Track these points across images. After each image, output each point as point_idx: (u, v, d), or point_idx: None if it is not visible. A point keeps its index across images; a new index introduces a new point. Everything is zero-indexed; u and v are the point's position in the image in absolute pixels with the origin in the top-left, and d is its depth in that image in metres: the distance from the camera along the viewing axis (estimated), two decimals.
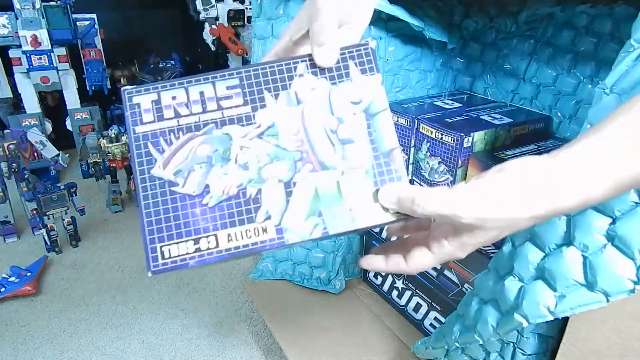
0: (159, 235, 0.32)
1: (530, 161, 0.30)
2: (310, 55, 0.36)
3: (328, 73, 0.35)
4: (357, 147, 0.34)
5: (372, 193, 0.34)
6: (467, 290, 0.70)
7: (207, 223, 0.33)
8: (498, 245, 0.52)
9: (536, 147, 0.72)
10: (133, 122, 0.34)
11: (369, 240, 0.92)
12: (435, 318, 0.80)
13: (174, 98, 0.34)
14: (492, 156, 0.70)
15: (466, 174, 0.73)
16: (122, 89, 0.34)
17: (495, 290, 0.52)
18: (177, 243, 0.32)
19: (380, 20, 0.78)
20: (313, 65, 0.36)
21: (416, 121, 0.77)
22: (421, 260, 0.36)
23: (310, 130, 0.34)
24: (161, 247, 0.32)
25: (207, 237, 0.32)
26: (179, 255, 0.32)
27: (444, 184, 0.75)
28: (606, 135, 0.28)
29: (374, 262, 0.38)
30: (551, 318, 0.45)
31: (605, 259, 0.41)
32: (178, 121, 0.34)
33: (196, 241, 0.32)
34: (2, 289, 1.01)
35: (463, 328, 0.58)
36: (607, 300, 0.41)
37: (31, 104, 1.58)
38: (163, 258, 0.32)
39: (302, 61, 0.36)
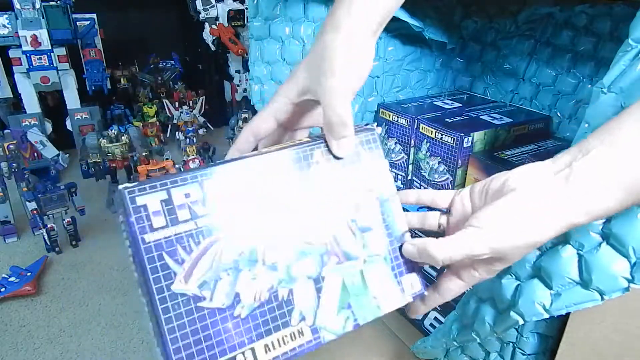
0: (187, 355, 0.28)
1: (541, 185, 0.31)
2: (324, 139, 0.34)
3: (341, 160, 0.34)
4: (374, 234, 0.34)
5: (391, 278, 0.34)
6: (466, 290, 0.70)
7: (242, 337, 0.29)
8: None
9: (536, 147, 0.72)
10: (141, 230, 0.27)
11: None
12: (435, 318, 0.80)
13: (187, 196, 0.29)
14: (492, 156, 0.70)
15: (466, 174, 0.73)
16: (121, 188, 0.28)
17: (492, 289, 0.52)
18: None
19: None
20: (328, 151, 0.34)
21: (416, 121, 0.78)
22: (454, 290, 0.38)
23: (333, 222, 0.33)
24: None
25: (243, 352, 0.29)
26: None
27: (444, 184, 0.75)
28: (616, 147, 0.29)
29: (417, 309, 0.40)
30: (546, 316, 0.45)
31: (600, 257, 0.41)
32: (196, 223, 0.29)
33: (234, 355, 0.29)
34: (2, 289, 1.01)
35: (461, 326, 0.58)
36: (602, 299, 0.42)
37: (31, 104, 1.58)
38: None
39: (317, 147, 0.34)
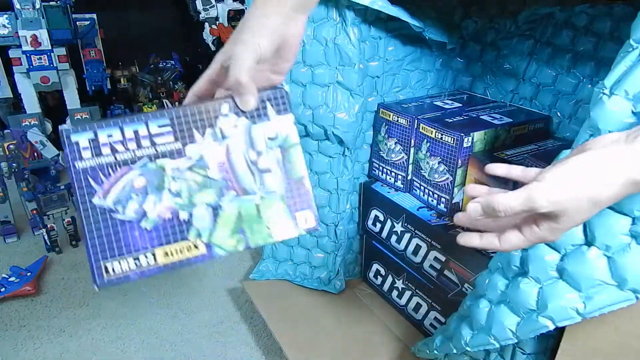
0: (102, 254, 0.37)
1: (609, 146, 0.34)
2: (232, 96, 0.40)
3: (248, 113, 0.40)
4: (273, 176, 0.40)
5: (285, 213, 0.40)
6: (467, 290, 0.71)
7: (146, 243, 0.37)
8: None
9: (536, 147, 0.72)
10: (73, 159, 0.37)
11: (369, 240, 0.93)
12: (435, 318, 0.80)
13: (109, 136, 0.37)
14: (492, 156, 0.70)
15: (466, 174, 0.73)
16: (60, 128, 0.37)
17: (507, 293, 0.52)
18: (119, 260, 0.37)
19: (379, 20, 0.78)
20: (236, 106, 0.40)
21: (416, 121, 0.78)
22: (513, 241, 0.38)
23: (234, 162, 0.39)
24: (104, 264, 0.37)
25: (145, 254, 0.37)
26: (121, 271, 0.37)
27: (444, 184, 0.75)
28: None
29: (470, 239, 0.41)
30: (579, 319, 0.45)
31: (632, 258, 0.41)
32: (115, 157, 0.37)
33: (136, 258, 0.37)
34: (2, 289, 1.01)
35: (474, 331, 0.57)
36: (637, 298, 0.42)
37: (31, 104, 1.57)
38: (107, 273, 0.37)
39: (225, 102, 0.40)
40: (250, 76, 0.39)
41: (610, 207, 0.41)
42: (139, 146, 0.38)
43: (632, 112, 0.41)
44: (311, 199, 0.41)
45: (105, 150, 0.37)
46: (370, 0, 0.68)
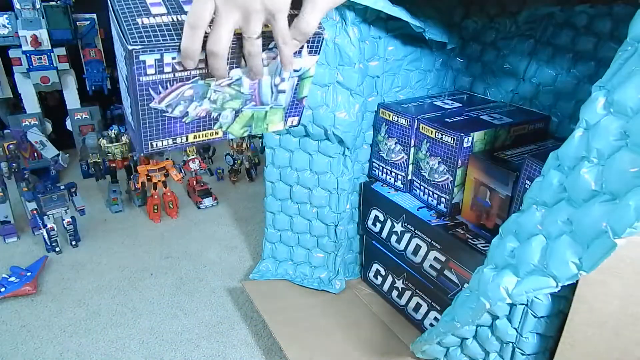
0: (150, 136, 0.47)
1: None
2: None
3: None
4: (285, 95, 0.51)
5: (281, 117, 0.54)
6: None
7: (183, 130, 0.48)
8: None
9: (536, 147, 0.73)
10: (139, 74, 0.42)
11: (369, 240, 0.93)
12: (435, 318, 0.80)
13: (173, 58, 0.42)
14: (492, 156, 0.70)
15: (466, 174, 0.73)
16: (130, 48, 0.40)
17: (476, 279, 0.54)
18: (161, 140, 0.48)
19: (379, 19, 0.78)
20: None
21: (416, 121, 0.78)
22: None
23: (262, 84, 0.49)
24: (151, 142, 0.48)
25: (181, 137, 0.49)
26: (162, 146, 0.49)
27: (444, 184, 0.75)
28: None
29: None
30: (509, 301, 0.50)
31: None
32: (174, 74, 0.44)
33: (174, 139, 0.49)
34: (2, 289, 1.01)
35: (463, 299, 0.58)
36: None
37: (31, 104, 1.58)
38: (152, 147, 0.48)
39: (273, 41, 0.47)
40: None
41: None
42: (196, 66, 0.44)
43: (608, 102, 0.42)
44: (302, 108, 0.54)
45: (167, 69, 0.43)
46: (379, 3, 0.68)
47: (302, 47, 0.47)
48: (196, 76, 0.45)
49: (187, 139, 0.49)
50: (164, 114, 0.46)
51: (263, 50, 0.44)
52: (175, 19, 0.42)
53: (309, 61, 0.49)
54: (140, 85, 0.42)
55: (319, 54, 0.49)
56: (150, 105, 0.44)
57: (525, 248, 0.49)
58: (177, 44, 0.41)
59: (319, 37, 0.48)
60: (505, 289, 0.49)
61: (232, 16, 0.39)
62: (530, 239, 0.48)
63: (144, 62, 0.41)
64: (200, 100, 0.47)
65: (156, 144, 0.48)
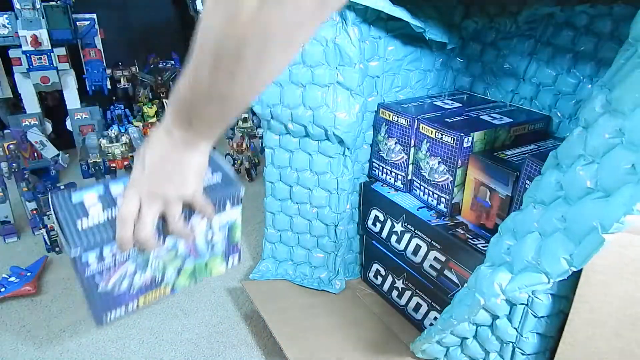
0: (102, 309, 0.51)
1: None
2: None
3: (215, 206, 0.51)
4: (220, 244, 0.56)
5: (222, 261, 0.58)
6: None
7: (133, 298, 0.52)
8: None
9: (536, 147, 0.72)
10: (82, 271, 0.46)
11: (369, 240, 0.93)
12: (435, 318, 0.80)
13: (111, 250, 0.47)
14: (492, 156, 0.70)
15: (466, 174, 0.73)
16: (73, 256, 0.44)
17: (474, 276, 0.55)
18: (113, 311, 0.52)
19: (380, 19, 0.78)
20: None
21: (416, 121, 0.78)
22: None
23: (197, 241, 0.53)
24: (105, 315, 0.51)
25: (132, 303, 0.52)
26: (117, 316, 0.52)
27: (444, 184, 0.75)
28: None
29: None
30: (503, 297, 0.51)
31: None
32: (114, 260, 0.48)
33: (126, 306, 0.52)
34: (2, 289, 1.01)
35: (461, 297, 0.59)
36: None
37: (31, 104, 1.57)
38: (107, 317, 0.52)
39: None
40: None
41: None
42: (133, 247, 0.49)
43: (607, 100, 0.42)
44: (239, 248, 0.58)
45: (108, 258, 0.47)
46: (379, 4, 0.68)
47: (225, 204, 0.52)
48: (133, 252, 0.49)
49: (137, 304, 0.53)
50: (111, 293, 0.50)
51: (186, 220, 0.49)
52: (108, 215, 0.46)
53: (234, 213, 0.54)
54: (87, 278, 0.47)
55: (240, 204, 0.54)
56: (98, 290, 0.48)
57: (520, 245, 0.49)
58: (113, 235, 0.45)
59: (236, 191, 0.52)
60: (499, 284, 0.50)
61: (154, 206, 0.45)
62: (525, 237, 0.49)
63: (87, 260, 0.46)
64: (142, 269, 0.51)
65: (110, 316, 0.51)
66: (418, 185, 0.81)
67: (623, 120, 0.41)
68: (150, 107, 1.86)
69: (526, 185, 0.62)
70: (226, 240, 0.56)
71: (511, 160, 0.69)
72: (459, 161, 0.72)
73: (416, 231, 0.79)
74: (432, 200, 0.78)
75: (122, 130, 1.42)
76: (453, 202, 0.75)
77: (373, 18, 0.76)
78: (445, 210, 0.76)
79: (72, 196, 0.47)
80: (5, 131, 1.37)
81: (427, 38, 0.79)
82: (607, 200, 0.41)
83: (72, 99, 1.65)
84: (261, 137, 1.58)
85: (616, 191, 0.40)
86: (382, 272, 0.91)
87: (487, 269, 0.53)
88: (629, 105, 0.40)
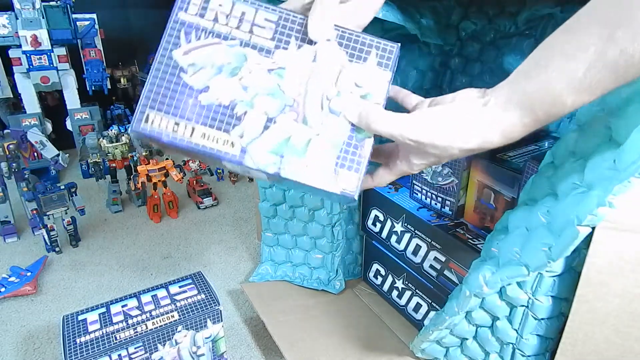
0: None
1: (467, 104, 0.38)
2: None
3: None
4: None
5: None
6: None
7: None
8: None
9: (537, 147, 0.73)
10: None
11: (369, 240, 0.92)
12: None
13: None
14: (494, 157, 0.70)
15: (468, 176, 0.73)
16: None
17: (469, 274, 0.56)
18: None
19: (377, 20, 0.77)
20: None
21: None
22: (380, 174, 0.44)
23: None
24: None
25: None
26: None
27: (449, 187, 0.75)
28: (516, 76, 0.37)
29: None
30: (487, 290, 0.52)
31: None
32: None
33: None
34: (2, 289, 1.01)
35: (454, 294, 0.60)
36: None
37: (31, 104, 1.58)
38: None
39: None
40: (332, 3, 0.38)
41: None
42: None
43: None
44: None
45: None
46: None
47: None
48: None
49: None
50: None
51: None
52: None
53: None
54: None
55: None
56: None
57: (507, 240, 0.51)
58: None
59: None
60: (483, 276, 0.52)
61: None
62: (513, 232, 0.50)
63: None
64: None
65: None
66: (419, 189, 0.81)
67: (612, 117, 0.42)
68: None
69: None
70: (211, 352, 0.57)
71: (513, 161, 0.68)
72: (464, 163, 0.72)
73: (416, 231, 0.78)
74: (436, 204, 0.78)
75: (122, 130, 1.42)
76: (459, 204, 0.75)
77: None
78: (450, 213, 0.76)
79: None
80: (5, 131, 1.38)
81: (421, 40, 0.79)
82: (585, 194, 0.42)
83: (72, 99, 1.65)
84: None
85: (596, 185, 0.41)
86: (382, 272, 0.91)
87: (477, 263, 0.55)
88: (619, 103, 0.41)
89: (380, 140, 0.40)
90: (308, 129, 0.38)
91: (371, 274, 0.95)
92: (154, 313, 0.67)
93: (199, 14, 0.38)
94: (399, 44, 0.40)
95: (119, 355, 0.61)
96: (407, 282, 0.85)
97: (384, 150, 0.46)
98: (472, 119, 0.37)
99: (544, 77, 0.34)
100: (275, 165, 0.37)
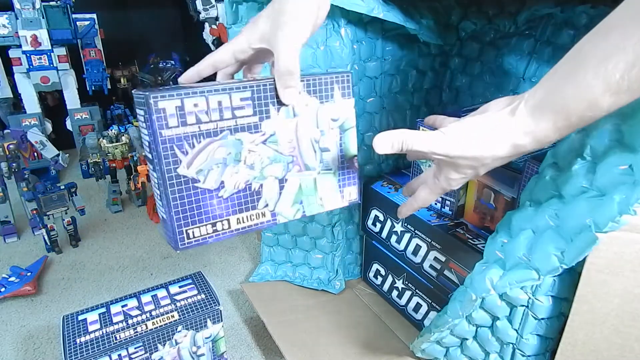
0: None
1: (495, 112, 0.38)
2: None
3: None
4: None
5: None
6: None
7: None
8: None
9: None
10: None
11: (369, 240, 0.92)
12: None
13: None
14: None
15: None
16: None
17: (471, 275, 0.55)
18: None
19: (375, 20, 0.77)
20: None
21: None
22: (422, 195, 0.47)
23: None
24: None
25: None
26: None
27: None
28: (548, 82, 0.36)
29: (401, 210, 0.51)
30: (493, 292, 0.51)
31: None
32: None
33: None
34: (2, 289, 1.01)
35: (456, 295, 0.60)
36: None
37: (31, 104, 1.58)
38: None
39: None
40: (298, 66, 0.40)
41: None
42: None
43: None
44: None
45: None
46: (367, 8, 0.68)
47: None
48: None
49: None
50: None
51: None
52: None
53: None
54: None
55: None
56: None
57: (513, 242, 0.50)
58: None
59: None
60: (490, 280, 0.51)
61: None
62: (519, 234, 0.49)
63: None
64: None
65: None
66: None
67: (622, 120, 0.41)
68: None
69: None
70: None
71: (513, 161, 0.68)
72: None
73: (416, 231, 0.78)
74: (436, 204, 0.78)
75: (122, 130, 1.42)
76: (459, 204, 0.75)
77: (369, 19, 0.76)
78: (450, 213, 0.76)
79: None
80: (5, 131, 1.38)
81: (421, 40, 0.79)
82: (602, 200, 0.41)
83: (72, 99, 1.65)
84: None
85: (611, 191, 0.41)
86: (382, 272, 0.91)
87: (480, 266, 0.54)
88: (631, 104, 0.40)
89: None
90: (311, 172, 0.44)
91: (371, 274, 0.95)
92: (154, 313, 0.67)
93: (180, 124, 0.38)
94: (352, 72, 0.46)
95: (119, 355, 0.61)
96: (407, 282, 0.85)
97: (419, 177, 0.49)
98: (500, 127, 0.37)
99: (578, 80, 0.33)
100: (300, 212, 0.45)
